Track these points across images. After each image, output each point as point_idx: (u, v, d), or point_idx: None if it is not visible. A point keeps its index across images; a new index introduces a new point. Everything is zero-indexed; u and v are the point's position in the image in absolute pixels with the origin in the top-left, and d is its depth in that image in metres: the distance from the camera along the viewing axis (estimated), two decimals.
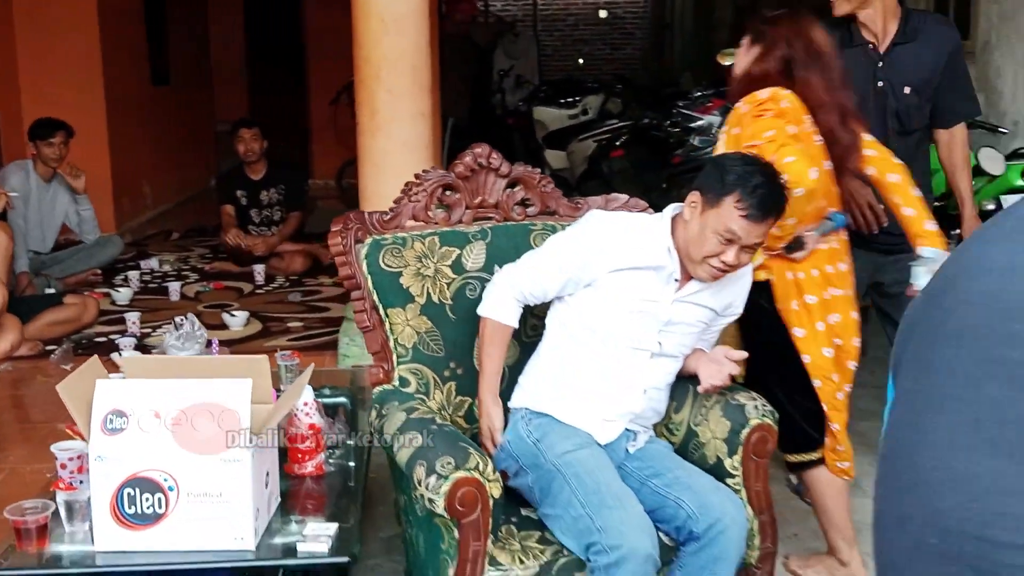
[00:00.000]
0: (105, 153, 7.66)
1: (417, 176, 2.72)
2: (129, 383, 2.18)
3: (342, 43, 7.24)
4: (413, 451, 2.22)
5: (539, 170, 2.88)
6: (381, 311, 2.58)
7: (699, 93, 6.18)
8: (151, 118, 8.74)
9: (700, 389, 2.43)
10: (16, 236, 5.21)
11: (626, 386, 2.41)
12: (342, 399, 2.98)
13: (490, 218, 2.76)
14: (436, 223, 2.69)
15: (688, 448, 2.49)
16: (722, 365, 2.40)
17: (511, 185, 2.80)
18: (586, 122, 8.82)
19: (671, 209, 2.46)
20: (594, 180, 7.51)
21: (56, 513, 2.20)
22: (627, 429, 2.44)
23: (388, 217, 2.67)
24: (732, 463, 2.39)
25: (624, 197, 2.87)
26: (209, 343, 3.02)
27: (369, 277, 2.57)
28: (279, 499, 2.34)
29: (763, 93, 2.74)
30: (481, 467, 2.14)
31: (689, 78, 10.59)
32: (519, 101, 10.69)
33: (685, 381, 2.54)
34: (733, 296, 2.50)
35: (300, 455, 2.50)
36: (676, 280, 2.39)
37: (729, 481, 2.39)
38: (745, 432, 2.38)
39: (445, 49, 8.44)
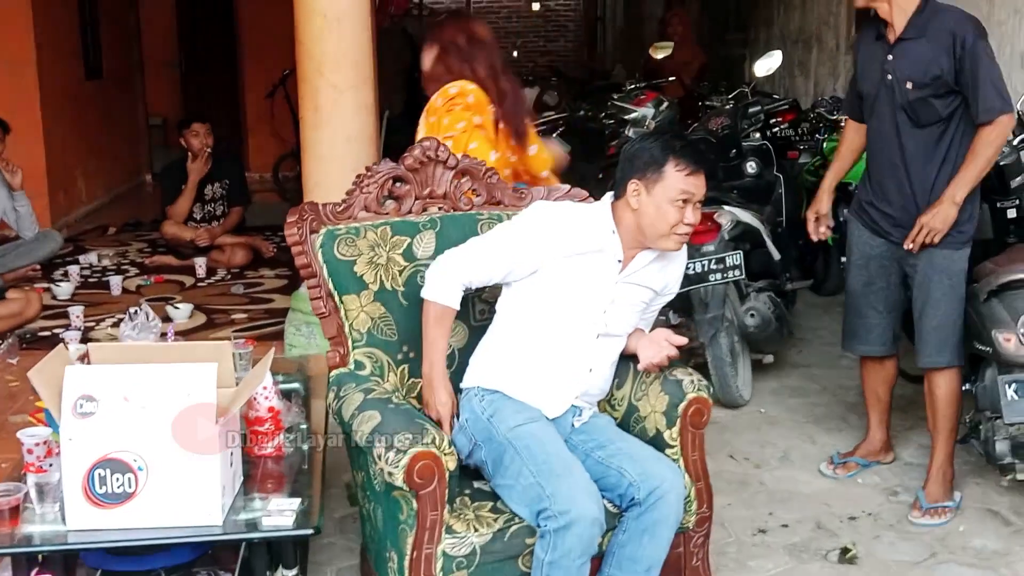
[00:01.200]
0: (40, 148, 7.60)
1: (368, 169, 2.83)
2: (98, 368, 2.27)
3: (277, 37, 7.30)
4: (372, 428, 2.34)
5: (483, 162, 3.00)
6: (336, 298, 2.69)
7: (633, 86, 6.34)
8: (84, 112, 8.68)
9: (640, 367, 2.59)
10: None
11: (573, 365, 2.57)
12: (296, 384, 3.08)
13: (439, 208, 2.88)
14: (387, 213, 2.80)
15: (629, 422, 2.65)
16: (661, 347, 2.57)
17: (458, 176, 2.92)
18: None
19: (609, 196, 2.62)
20: None
21: (27, 496, 2.27)
22: (573, 405, 2.59)
23: (341, 208, 2.77)
24: (671, 434, 2.55)
25: (566, 187, 3.01)
26: (164, 333, 3.10)
27: (324, 266, 2.68)
28: (242, 478, 2.44)
29: (453, 88, 3.36)
30: (437, 441, 2.27)
31: (621, 70, 10.77)
32: None
33: (627, 360, 2.69)
34: (670, 276, 2.68)
35: (260, 437, 2.60)
36: (619, 261, 2.55)
37: (668, 451, 2.55)
38: (682, 405, 2.54)
39: (380, 42, 8.49)
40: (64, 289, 5.91)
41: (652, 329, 2.73)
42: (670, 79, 6.75)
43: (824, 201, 3.63)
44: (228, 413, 2.28)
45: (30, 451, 2.40)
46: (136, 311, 3.10)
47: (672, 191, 2.46)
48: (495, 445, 2.45)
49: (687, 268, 4.08)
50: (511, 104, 3.44)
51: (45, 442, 2.39)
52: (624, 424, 2.65)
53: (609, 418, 2.68)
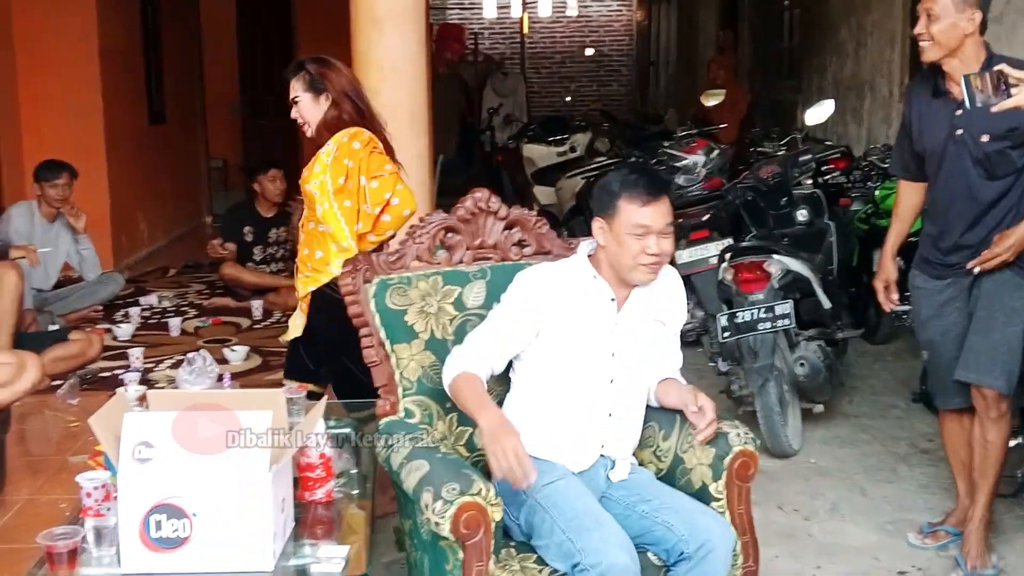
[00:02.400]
0: (104, 192, 7.82)
1: (421, 219, 2.89)
2: (155, 415, 2.33)
3: None
4: (420, 478, 2.37)
5: (534, 213, 3.05)
6: (388, 347, 2.75)
7: (684, 133, 6.39)
8: (147, 157, 8.91)
9: (697, 442, 2.59)
10: None
11: (592, 414, 2.60)
12: (347, 430, 3.14)
13: (489, 258, 2.92)
14: (438, 263, 2.86)
15: (675, 474, 2.66)
16: (707, 417, 2.57)
17: (509, 227, 2.96)
18: (574, 159, 9.03)
19: (584, 246, 2.70)
20: (581, 216, 7.69)
21: (85, 539, 2.34)
22: (603, 455, 2.61)
23: (394, 258, 2.84)
24: (717, 487, 2.55)
25: None
26: (220, 377, 3.16)
27: (377, 315, 2.74)
28: (293, 524, 2.49)
29: (363, 133, 3.53)
30: (484, 492, 2.30)
31: (673, 115, 10.83)
32: (508, 138, 10.89)
33: (671, 412, 2.70)
34: (670, 302, 2.72)
35: (311, 483, 2.64)
36: (612, 300, 2.60)
37: (714, 504, 2.55)
38: (728, 459, 2.54)
39: (436, 88, 8.65)
40: (125, 330, 6.06)
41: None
42: (721, 126, 6.78)
43: (891, 268, 3.49)
44: (281, 460, 2.33)
45: (89, 494, 2.46)
46: (194, 356, 3.17)
47: (628, 224, 2.51)
48: (527, 508, 2.47)
49: (736, 317, 4.14)
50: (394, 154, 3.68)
51: (103, 485, 2.46)
52: (669, 476, 2.66)
53: (650, 474, 2.69)
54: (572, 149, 9.28)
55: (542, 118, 11.49)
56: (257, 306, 6.53)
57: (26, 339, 5.13)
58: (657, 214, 2.52)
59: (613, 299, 2.61)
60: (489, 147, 11.31)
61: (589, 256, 2.65)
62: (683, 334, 5.10)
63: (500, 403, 2.70)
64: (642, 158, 6.81)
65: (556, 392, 2.60)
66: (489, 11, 15.72)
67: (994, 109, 2.78)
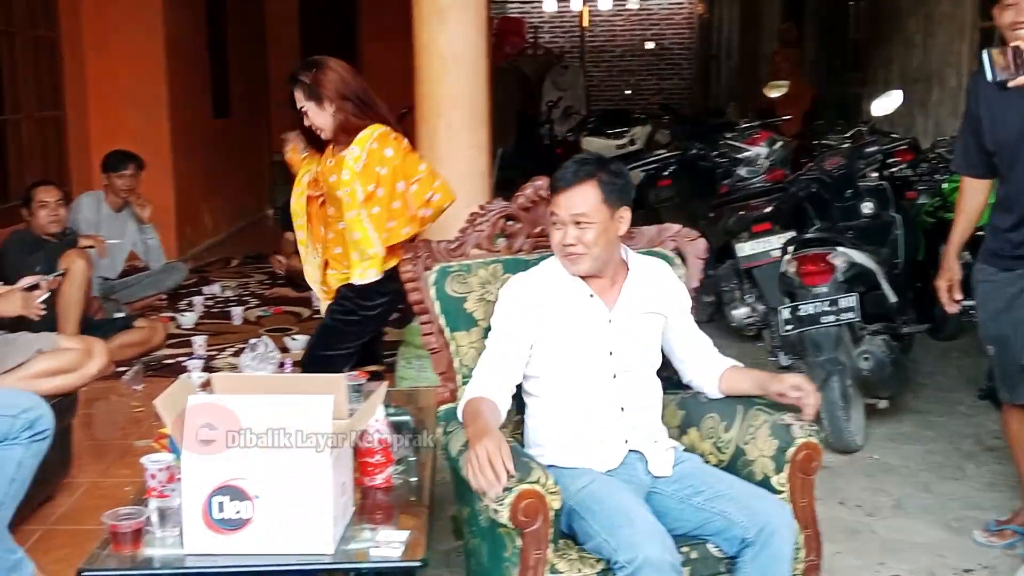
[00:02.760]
0: (170, 183, 7.95)
1: (481, 207, 2.90)
2: (219, 398, 2.36)
3: (396, 76, 7.48)
4: None
5: None
6: (447, 334, 2.75)
7: (746, 124, 6.31)
8: (212, 150, 9.04)
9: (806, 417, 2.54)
10: None
11: (603, 412, 2.58)
12: (406, 417, 3.15)
13: (548, 246, 2.91)
14: (498, 251, 2.86)
15: (736, 465, 2.62)
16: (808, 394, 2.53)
17: None
18: (633, 152, 8.97)
19: None
20: (641, 209, 7.64)
21: (149, 519, 2.37)
22: (633, 450, 2.57)
23: (454, 246, 2.84)
24: (779, 480, 2.51)
25: (676, 227, 3.02)
26: (282, 364, 3.20)
27: (437, 302, 2.75)
28: (353, 508, 2.50)
29: (390, 135, 3.49)
30: (543, 480, 2.29)
31: (735, 109, 10.72)
32: (567, 131, 10.87)
33: (733, 402, 2.68)
34: (664, 294, 2.69)
35: (370, 468, 2.65)
36: (592, 296, 2.59)
37: (776, 497, 2.51)
38: (791, 450, 2.50)
39: (495, 81, 8.64)
40: (188, 318, 6.15)
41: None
42: (784, 118, 6.69)
43: (955, 268, 3.40)
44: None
45: (153, 476, 2.49)
46: (256, 342, 3.21)
47: (548, 214, 2.59)
48: (568, 516, 2.45)
49: (799, 311, 4.08)
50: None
51: (168, 467, 2.49)
52: (731, 468, 2.62)
53: (698, 460, 2.64)
54: (632, 142, 9.24)
55: (601, 111, 11.45)
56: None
57: (93, 326, 5.24)
58: (568, 203, 2.54)
59: (593, 295, 2.60)
60: (548, 140, 11.30)
61: None
62: (743, 328, 5.18)
63: (519, 429, 2.72)
64: (703, 150, 6.75)
65: (563, 398, 2.59)
66: (549, 5, 15.68)
67: (1011, 84, 2.76)
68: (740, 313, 5.14)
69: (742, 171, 5.65)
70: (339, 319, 3.59)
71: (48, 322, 4.78)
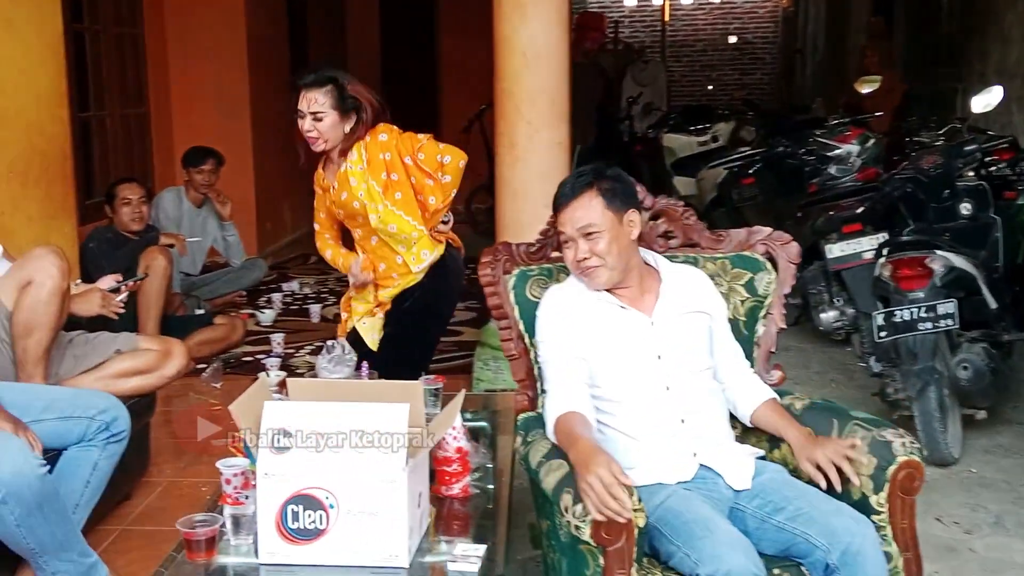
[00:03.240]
0: (250, 180, 8.00)
1: None
2: (295, 405, 2.30)
3: (475, 72, 7.45)
4: (560, 478, 2.28)
5: (681, 203, 2.92)
6: (527, 340, 2.67)
7: (836, 121, 6.11)
8: (292, 145, 9.06)
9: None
10: None
11: (663, 425, 2.47)
12: (483, 423, 3.08)
13: None
14: None
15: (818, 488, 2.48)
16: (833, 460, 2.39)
17: (654, 218, 2.85)
18: (716, 149, 8.79)
19: None
20: (723, 208, 7.49)
21: (223, 526, 2.33)
22: (704, 465, 2.45)
23: (534, 249, 2.75)
24: (878, 500, 2.37)
25: (766, 230, 2.89)
26: (358, 366, 3.14)
27: (516, 307, 2.66)
28: (429, 519, 2.43)
29: (379, 125, 3.47)
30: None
31: (820, 104, 10.45)
32: (647, 128, 10.71)
33: (828, 414, 2.55)
34: (704, 294, 2.63)
35: (447, 477, 2.59)
36: (623, 307, 2.51)
37: (875, 518, 2.36)
38: (892, 469, 2.36)
39: (574, 77, 8.53)
40: (267, 316, 6.16)
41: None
42: (876, 114, 6.47)
43: None
44: (418, 454, 2.27)
45: (228, 481, 2.46)
46: (333, 344, 3.16)
47: (559, 237, 2.54)
48: (648, 538, 2.33)
49: (894, 316, 3.91)
50: None
51: (243, 473, 2.45)
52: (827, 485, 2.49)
53: (779, 470, 2.50)
54: (714, 139, 9.05)
55: (683, 107, 11.26)
56: None
57: (173, 322, 5.27)
58: (572, 217, 2.49)
59: (624, 307, 2.53)
60: (627, 136, 11.15)
61: None
62: (831, 331, 5.00)
63: None
64: (789, 147, 6.55)
65: (621, 413, 2.49)
66: None
67: None
68: (828, 317, 4.97)
69: (832, 169, 5.46)
70: (411, 319, 3.53)
71: (129, 320, 4.83)
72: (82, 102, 6.55)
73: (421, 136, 3.50)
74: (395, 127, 3.52)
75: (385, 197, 3.43)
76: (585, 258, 2.48)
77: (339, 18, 11.00)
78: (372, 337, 3.60)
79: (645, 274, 2.59)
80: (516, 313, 2.67)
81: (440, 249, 3.56)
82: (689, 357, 2.54)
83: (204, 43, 7.79)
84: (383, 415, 2.23)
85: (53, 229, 4.55)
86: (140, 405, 3.29)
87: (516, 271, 2.70)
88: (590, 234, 2.48)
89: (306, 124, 3.44)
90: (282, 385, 2.80)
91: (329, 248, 3.76)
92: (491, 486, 2.66)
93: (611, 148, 10.49)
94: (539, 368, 2.64)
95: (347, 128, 3.45)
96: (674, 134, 9.33)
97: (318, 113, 3.41)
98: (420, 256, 3.50)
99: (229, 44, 7.90)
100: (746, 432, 2.67)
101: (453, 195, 3.55)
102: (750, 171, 7.07)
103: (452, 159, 3.49)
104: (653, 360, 2.50)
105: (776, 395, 2.65)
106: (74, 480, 2.73)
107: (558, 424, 2.41)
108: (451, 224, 3.63)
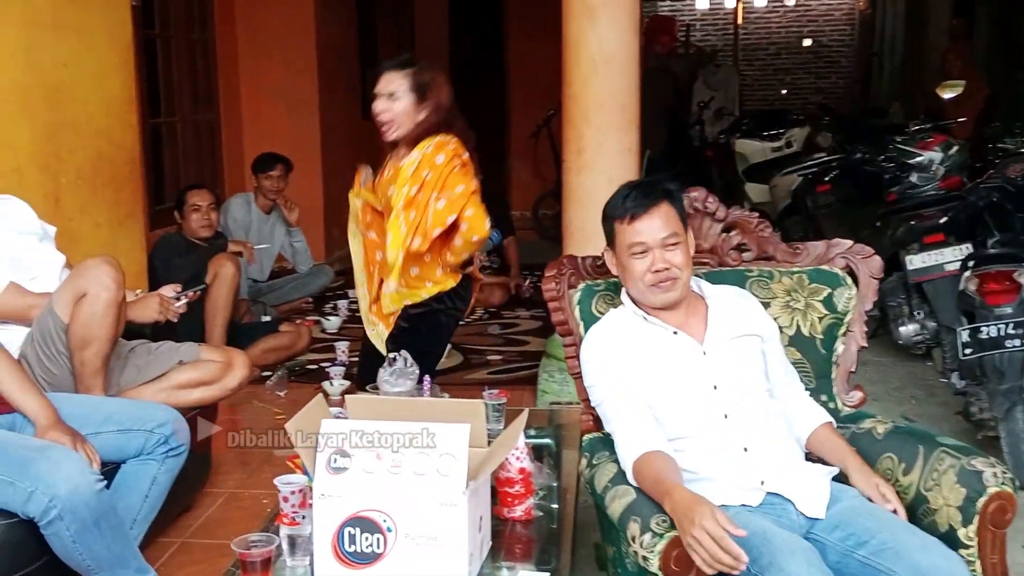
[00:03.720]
0: (318, 185, 8.00)
1: None
2: (352, 423, 2.23)
3: (543, 77, 7.36)
4: (626, 505, 2.18)
5: (756, 215, 2.80)
6: None
7: (917, 127, 5.89)
8: (360, 151, 9.06)
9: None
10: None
11: (725, 455, 2.34)
12: (548, 440, 2.99)
13: (705, 263, 2.71)
14: None
15: (917, 514, 2.34)
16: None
17: (727, 229, 2.74)
18: (790, 155, 8.59)
19: (625, 291, 2.51)
20: (797, 215, 7.30)
21: (279, 547, 2.27)
22: (771, 493, 2.31)
23: (601, 262, 2.65)
24: (967, 533, 2.22)
25: (847, 243, 2.76)
26: (421, 379, 3.07)
27: (581, 323, 2.57)
28: (490, 543, 2.34)
29: (449, 144, 3.29)
30: None
31: (899, 109, 10.17)
32: (719, 133, 10.52)
33: (914, 440, 2.41)
34: (749, 314, 2.50)
35: (510, 499, 2.50)
36: (676, 333, 2.40)
37: (963, 552, 2.22)
38: (982, 501, 2.21)
39: (644, 82, 8.39)
40: (332, 323, 6.14)
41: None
42: (959, 120, 6.24)
43: None
44: (479, 477, 2.19)
45: (286, 499, 2.40)
46: (395, 356, 3.09)
47: (624, 246, 2.40)
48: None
49: (980, 333, 3.73)
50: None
51: (301, 491, 2.39)
52: (911, 516, 2.34)
53: (855, 493, 2.34)
54: (788, 144, 8.84)
55: (756, 112, 11.05)
56: None
57: (240, 329, 5.27)
58: (651, 227, 2.37)
59: (677, 332, 2.41)
60: (698, 142, 10.97)
61: (632, 298, 2.48)
62: (911, 346, 4.82)
63: None
64: (867, 154, 6.35)
65: (681, 447, 2.34)
66: (702, 2, 15.30)
67: None
68: (908, 330, 4.80)
69: (913, 177, 5.27)
70: (418, 341, 3.40)
71: (196, 327, 4.84)
72: (153, 108, 6.61)
73: (460, 188, 3.29)
74: (463, 158, 3.35)
75: (403, 209, 3.31)
76: (665, 268, 2.37)
77: (408, 22, 11.00)
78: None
79: (691, 297, 2.49)
80: (581, 329, 2.57)
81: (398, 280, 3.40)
82: (744, 382, 2.42)
83: (274, 48, 7.82)
84: (443, 435, 2.15)
85: (121, 235, 4.57)
86: (202, 416, 3.26)
87: (582, 285, 2.60)
88: (671, 245, 2.38)
89: (381, 104, 3.38)
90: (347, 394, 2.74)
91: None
92: (555, 505, 2.57)
93: (681, 154, 10.32)
94: (598, 410, 2.51)
95: (420, 117, 3.35)
96: (746, 139, 9.14)
97: (394, 94, 3.35)
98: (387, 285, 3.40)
99: (299, 49, 7.92)
100: None
101: (450, 258, 3.41)
102: (826, 178, 6.88)
103: (468, 230, 3.31)
104: (709, 390, 2.39)
105: (832, 419, 2.52)
106: (132, 494, 2.70)
107: (639, 468, 2.27)
108: (475, 267, 3.61)
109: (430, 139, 3.32)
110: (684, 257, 2.40)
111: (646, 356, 2.41)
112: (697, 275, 2.61)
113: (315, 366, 5.29)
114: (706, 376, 2.39)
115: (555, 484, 2.63)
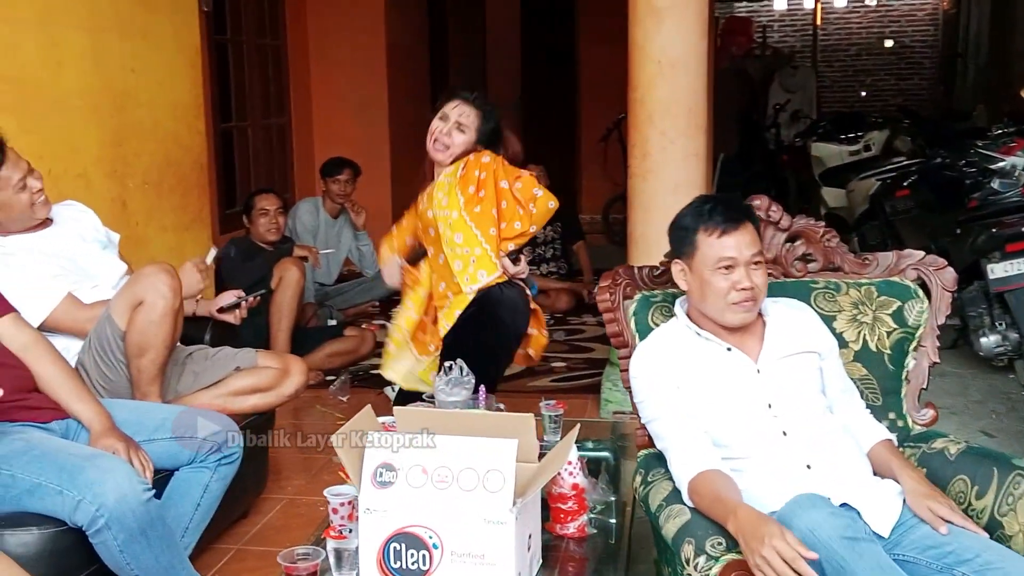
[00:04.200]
0: (387, 189, 8.01)
1: None
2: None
3: (614, 81, 7.27)
4: (681, 526, 2.10)
5: (822, 224, 2.70)
6: None
7: (1000, 131, 5.68)
8: (427, 156, 9.07)
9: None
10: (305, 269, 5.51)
11: (786, 475, 2.23)
12: (605, 453, 2.92)
13: (768, 274, 2.60)
14: None
15: (992, 540, 2.22)
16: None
17: (791, 239, 2.64)
18: (868, 159, 8.36)
19: (679, 304, 2.43)
20: (874, 221, 7.10)
21: (325, 560, 2.23)
22: (843, 504, 2.18)
23: (658, 272, 2.57)
24: None
25: (918, 253, 2.64)
26: (476, 388, 3.02)
27: (637, 335, 2.49)
28: (540, 561, 2.28)
29: (484, 154, 3.49)
30: None
31: (983, 112, 9.86)
32: (795, 136, 10.32)
33: (988, 462, 2.28)
34: (812, 332, 2.40)
35: (562, 515, 2.44)
36: (729, 350, 2.31)
37: None
38: None
39: (718, 84, 8.24)
40: None
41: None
42: None
43: None
44: (527, 494, 2.13)
45: (335, 511, 2.38)
46: (451, 365, 3.05)
47: (710, 260, 2.30)
48: None
49: None
50: None
51: (350, 502, 2.36)
52: None
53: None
54: (867, 148, 8.60)
55: (833, 114, 10.80)
56: None
57: (305, 334, 5.28)
58: (742, 243, 2.28)
59: (731, 348, 2.32)
60: (773, 145, 10.77)
61: (688, 312, 2.40)
62: (992, 357, 4.65)
63: None
64: (948, 159, 6.15)
65: (739, 468, 2.25)
66: (779, 3, 15.04)
67: None
68: (989, 341, 4.62)
69: (995, 183, 5.07)
70: (477, 336, 3.47)
71: (260, 331, 4.86)
72: (224, 113, 6.68)
73: (523, 171, 3.53)
74: (501, 156, 3.56)
75: (464, 208, 3.42)
76: (751, 287, 2.30)
77: (479, 26, 10.98)
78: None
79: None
80: (637, 341, 2.49)
81: (499, 273, 3.49)
82: (800, 400, 2.33)
83: (344, 52, 7.84)
84: (491, 451, 2.10)
85: (188, 239, 4.61)
86: (257, 423, 3.25)
87: (638, 296, 2.53)
88: (755, 263, 2.32)
89: (445, 127, 3.53)
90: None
91: (386, 244, 3.94)
92: (613, 520, 2.49)
93: (755, 157, 10.15)
94: (648, 427, 2.43)
95: (469, 147, 3.52)
96: (823, 143, 8.93)
97: (463, 125, 3.51)
98: (476, 276, 3.47)
99: (369, 53, 7.94)
100: None
101: (534, 231, 3.56)
102: (905, 183, 6.67)
103: (544, 196, 3.52)
104: (763, 408, 2.30)
105: (891, 436, 2.40)
106: (184, 502, 2.69)
107: (695, 487, 2.19)
108: (522, 268, 3.60)
109: (467, 156, 3.51)
110: (764, 278, 2.34)
111: (698, 373, 2.33)
112: None
113: (377, 371, 5.26)
114: (760, 394, 2.30)
115: (612, 499, 2.56)
